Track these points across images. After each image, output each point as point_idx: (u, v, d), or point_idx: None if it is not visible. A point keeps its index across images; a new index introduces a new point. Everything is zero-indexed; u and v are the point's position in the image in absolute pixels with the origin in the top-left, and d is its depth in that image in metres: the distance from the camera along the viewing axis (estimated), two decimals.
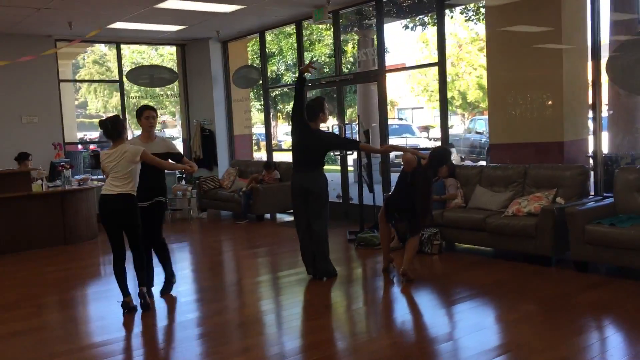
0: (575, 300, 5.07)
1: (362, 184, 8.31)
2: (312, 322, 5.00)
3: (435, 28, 8.32)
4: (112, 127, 5.17)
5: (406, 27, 13.99)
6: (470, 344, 4.22)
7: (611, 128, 8.91)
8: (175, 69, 12.64)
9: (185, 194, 10.80)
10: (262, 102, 13.29)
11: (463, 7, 13.24)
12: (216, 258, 7.91)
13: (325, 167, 6.21)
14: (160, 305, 5.51)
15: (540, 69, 7.13)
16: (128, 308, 5.19)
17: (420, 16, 12.93)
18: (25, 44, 9.99)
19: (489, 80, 7.99)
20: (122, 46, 12.65)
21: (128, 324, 5.02)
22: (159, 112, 6.00)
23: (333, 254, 6.31)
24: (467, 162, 15.12)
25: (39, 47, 9.77)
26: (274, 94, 21.35)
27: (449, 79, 25.75)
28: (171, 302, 5.63)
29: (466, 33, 23.53)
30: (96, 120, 5.27)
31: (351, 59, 18.69)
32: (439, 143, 10.81)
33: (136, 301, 5.29)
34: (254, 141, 15.84)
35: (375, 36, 10.39)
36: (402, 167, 5.90)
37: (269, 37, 19.72)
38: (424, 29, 16.16)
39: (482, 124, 16.48)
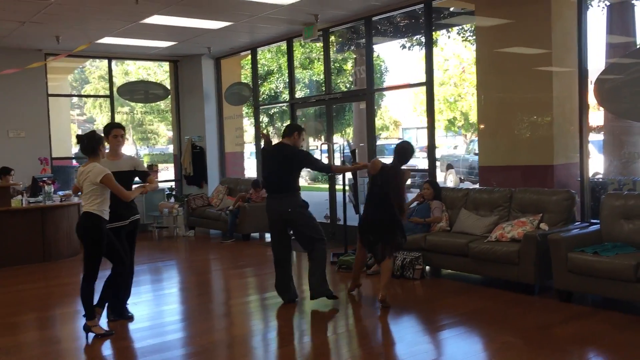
0: (557, 332, 4.84)
1: (345, 205, 8.11)
2: (282, 349, 4.82)
3: (433, 48, 8.22)
4: (88, 143, 5.03)
5: (403, 46, 13.90)
6: None
7: (606, 152, 8.70)
8: (168, 85, 12.55)
9: (171, 211, 10.62)
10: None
11: (460, 27, 13.13)
12: (201, 277, 7.73)
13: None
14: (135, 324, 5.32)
15: (530, 91, 6.99)
16: (89, 331, 5.00)
17: (417, 36, 12.82)
18: (15, 57, 9.89)
19: (478, 102, 7.84)
20: (128, 62, 12.58)
21: (105, 346, 4.87)
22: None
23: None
24: (467, 184, 14.89)
25: (29, 61, 9.64)
26: (272, 111, 21.23)
27: (451, 100, 25.78)
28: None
29: (469, 54, 23.40)
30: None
31: (350, 78, 18.62)
32: (439, 163, 10.64)
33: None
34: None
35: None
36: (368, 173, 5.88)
37: (268, 54, 19.71)
38: (421, 48, 16.06)
39: None
